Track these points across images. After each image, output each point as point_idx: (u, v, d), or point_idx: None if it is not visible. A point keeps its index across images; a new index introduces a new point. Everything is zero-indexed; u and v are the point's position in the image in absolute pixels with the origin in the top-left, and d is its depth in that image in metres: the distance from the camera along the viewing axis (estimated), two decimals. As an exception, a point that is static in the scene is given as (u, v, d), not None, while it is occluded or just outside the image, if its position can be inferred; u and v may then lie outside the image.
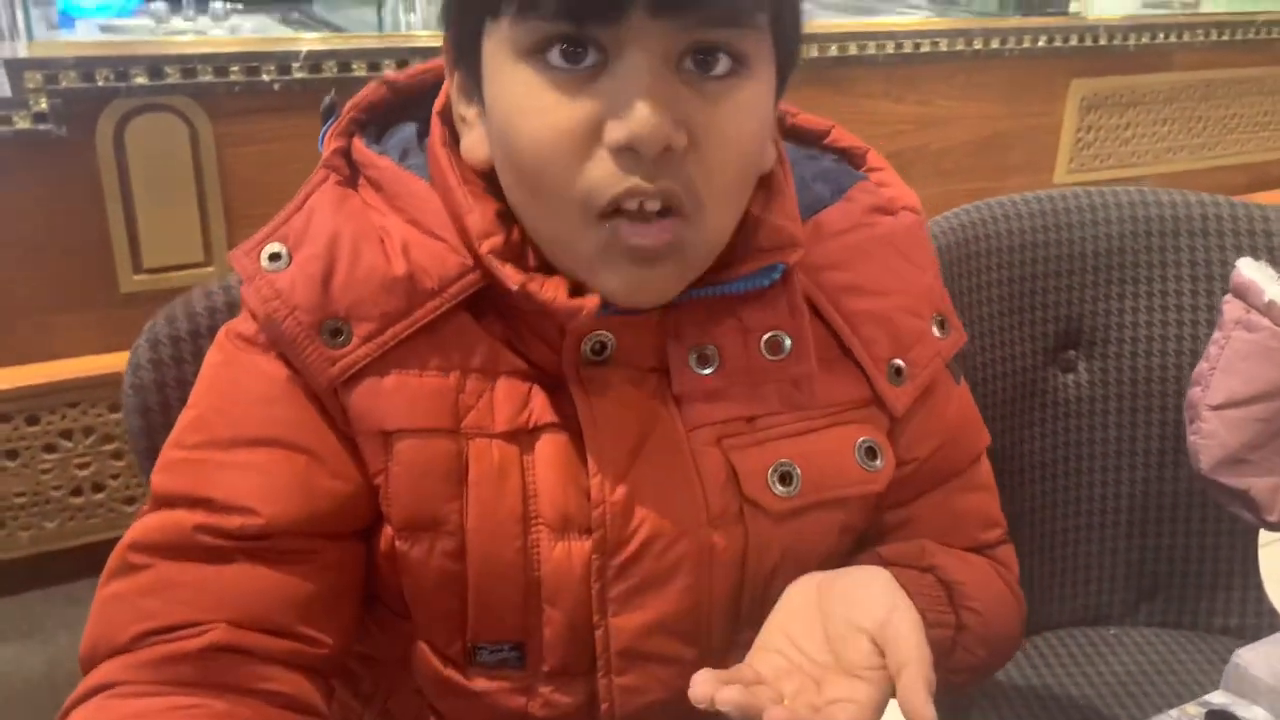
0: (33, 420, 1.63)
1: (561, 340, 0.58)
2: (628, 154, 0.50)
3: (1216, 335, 0.93)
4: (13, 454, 1.63)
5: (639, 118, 0.49)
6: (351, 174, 0.60)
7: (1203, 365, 0.94)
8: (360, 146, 0.60)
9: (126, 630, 0.55)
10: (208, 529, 0.56)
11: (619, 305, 0.56)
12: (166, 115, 1.62)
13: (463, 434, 0.57)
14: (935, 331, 0.65)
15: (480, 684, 0.62)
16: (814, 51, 2.01)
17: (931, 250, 0.68)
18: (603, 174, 0.51)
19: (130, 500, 1.72)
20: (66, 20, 1.91)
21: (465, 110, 0.58)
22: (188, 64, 1.59)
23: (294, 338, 0.56)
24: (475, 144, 0.57)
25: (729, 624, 0.62)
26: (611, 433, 0.58)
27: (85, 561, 1.72)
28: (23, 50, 1.55)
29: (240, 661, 0.55)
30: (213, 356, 0.62)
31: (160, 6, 1.93)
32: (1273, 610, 1.06)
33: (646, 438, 0.59)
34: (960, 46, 2.19)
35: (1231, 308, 0.92)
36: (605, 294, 0.55)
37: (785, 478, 0.60)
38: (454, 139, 0.59)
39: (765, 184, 0.59)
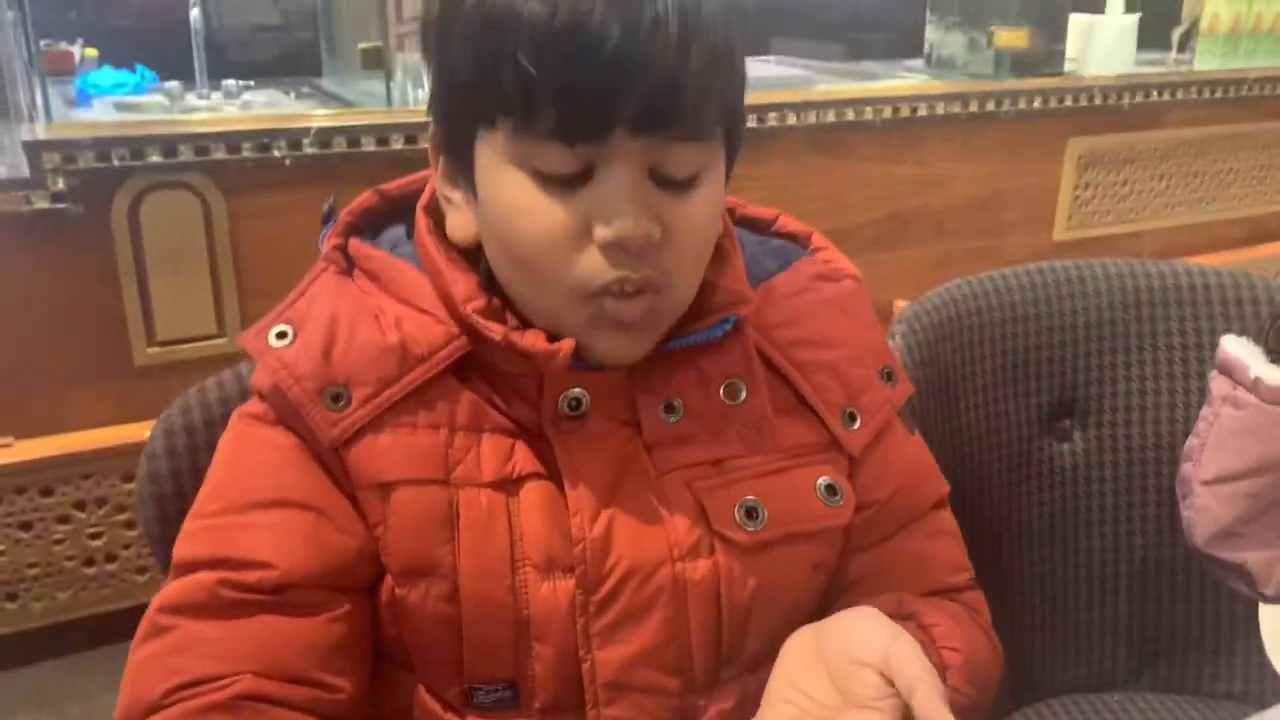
0: (47, 492, 1.65)
1: (540, 398, 0.64)
2: (615, 249, 0.58)
3: (1205, 411, 0.94)
4: (27, 525, 1.65)
5: (625, 221, 0.57)
6: (348, 266, 0.68)
7: (1193, 441, 0.96)
8: (356, 244, 0.68)
9: (158, 688, 0.59)
10: (229, 584, 0.61)
11: (607, 365, 0.64)
12: (180, 192, 1.66)
13: (453, 484, 0.63)
14: (883, 383, 0.71)
15: None
16: (813, 119, 2.06)
17: (872, 313, 0.74)
18: (593, 266, 0.59)
19: (142, 570, 1.74)
20: (84, 98, 1.95)
21: (450, 193, 0.65)
22: (201, 142, 1.64)
23: (299, 403, 0.62)
24: (462, 224, 0.64)
25: (711, 658, 0.66)
26: (589, 478, 0.64)
27: (97, 632, 1.74)
28: (41, 132, 1.60)
29: (266, 709, 0.59)
30: (226, 437, 0.67)
31: (174, 84, 1.98)
32: (1275, 675, 1.07)
33: (621, 481, 0.64)
34: (957, 109, 2.23)
35: (1219, 384, 0.94)
36: (595, 355, 0.63)
37: (751, 513, 0.65)
38: (438, 226, 0.66)
39: (716, 253, 0.67)
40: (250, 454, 0.65)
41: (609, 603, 0.63)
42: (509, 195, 0.59)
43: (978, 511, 1.03)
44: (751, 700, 0.64)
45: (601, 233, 0.58)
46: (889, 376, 0.72)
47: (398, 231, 0.69)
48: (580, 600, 0.63)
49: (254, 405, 0.66)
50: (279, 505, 0.62)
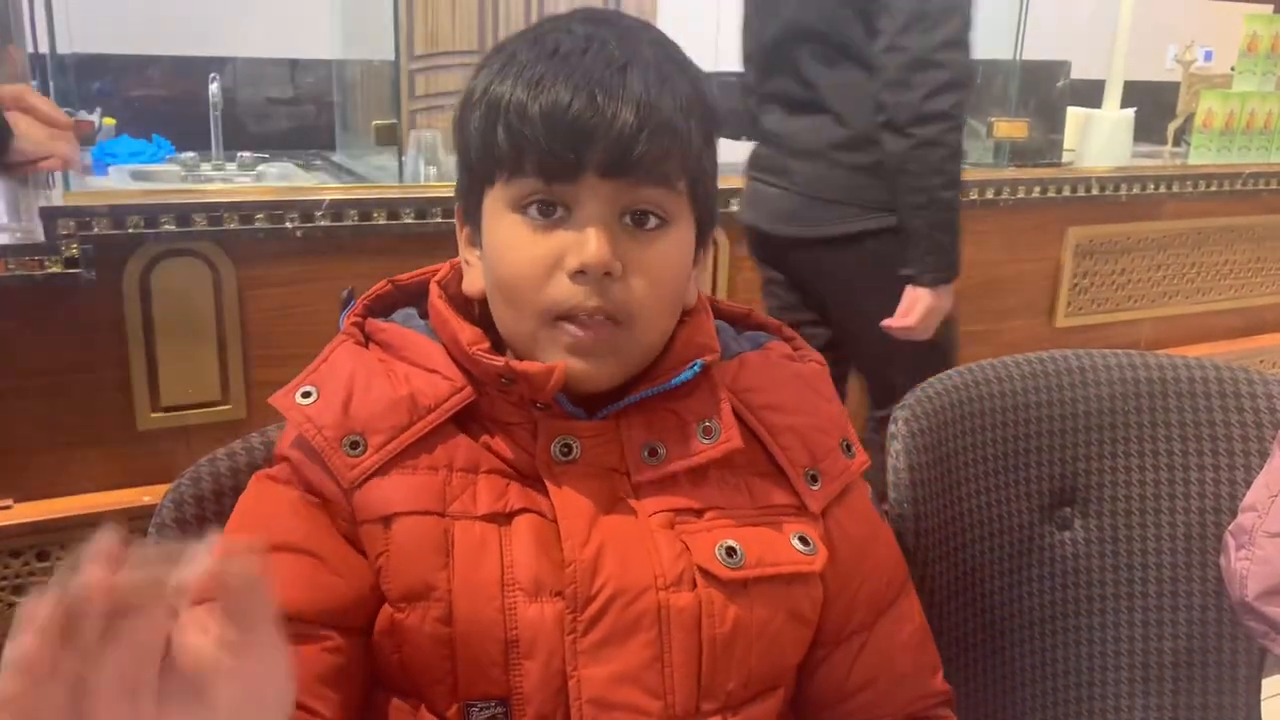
0: (43, 556, 1.64)
1: (535, 443, 0.71)
2: (580, 276, 0.67)
3: (1278, 463, 0.94)
4: (20, 589, 1.64)
5: (589, 250, 0.67)
6: (365, 340, 0.76)
7: (1259, 493, 0.95)
8: (372, 321, 0.77)
9: None
10: None
11: (575, 385, 0.70)
12: (192, 260, 1.69)
13: (449, 515, 0.69)
14: (843, 452, 0.78)
15: None
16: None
17: (835, 391, 0.82)
18: (560, 291, 0.68)
19: (134, 637, 1.72)
20: (100, 166, 1.99)
21: (470, 255, 0.75)
22: (215, 211, 1.66)
23: (322, 449, 0.69)
24: (475, 279, 0.75)
25: (691, 686, 0.70)
26: (580, 510, 0.70)
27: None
28: (58, 198, 1.62)
29: None
30: (244, 495, 0.74)
31: (190, 155, 2.02)
32: (1278, 772, 1.06)
33: (610, 514, 0.71)
34: (957, 197, 2.27)
35: None
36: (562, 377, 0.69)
37: (731, 552, 0.71)
38: (448, 296, 0.76)
39: (687, 316, 0.75)
40: (260, 506, 0.72)
41: (596, 621, 0.68)
42: (503, 234, 0.70)
43: (978, 599, 1.03)
44: None
45: (569, 261, 0.67)
46: (847, 448, 0.79)
47: (409, 310, 0.78)
48: (569, 619, 0.68)
49: (273, 469, 0.73)
50: (279, 549, 0.68)
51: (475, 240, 0.74)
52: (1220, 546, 1.02)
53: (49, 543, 1.64)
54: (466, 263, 0.76)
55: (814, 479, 0.76)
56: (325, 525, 0.70)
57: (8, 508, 1.64)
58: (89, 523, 1.66)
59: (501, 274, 0.70)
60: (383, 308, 0.78)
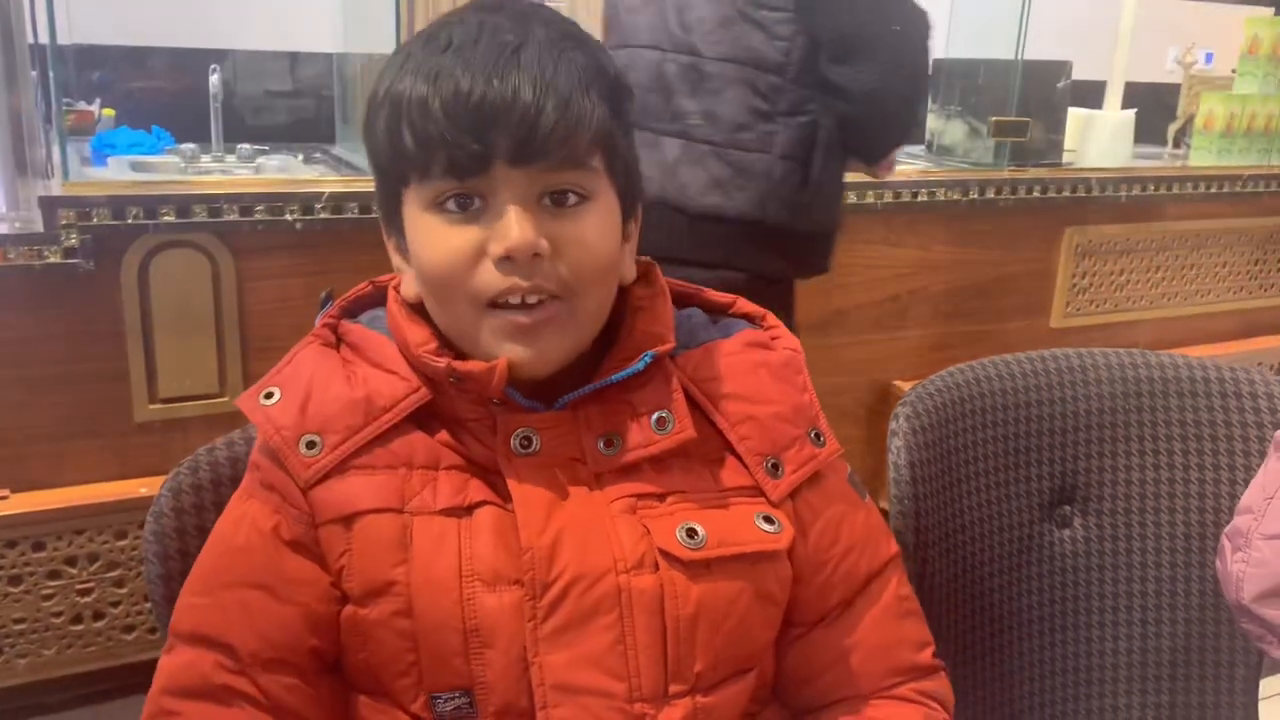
0: (39, 546, 1.64)
1: (494, 437, 0.72)
2: (506, 262, 0.68)
3: (1276, 466, 0.93)
4: (16, 580, 1.63)
5: (512, 234, 0.67)
6: (336, 341, 0.78)
7: (1254, 495, 0.94)
8: (344, 322, 0.79)
9: None
10: (220, 666, 0.70)
11: (522, 374, 0.71)
12: (191, 252, 1.68)
13: (407, 512, 0.71)
14: (811, 441, 0.79)
15: None
16: (816, 200, 2.09)
17: (807, 381, 0.81)
18: (487, 278, 0.69)
19: (129, 629, 1.72)
20: (99, 157, 1.98)
21: (401, 263, 0.76)
22: (214, 203, 1.66)
23: (279, 449, 0.72)
24: (410, 285, 0.75)
25: (657, 668, 0.71)
26: (538, 499, 0.71)
27: (81, 690, 1.71)
28: (58, 188, 1.62)
29: None
30: (222, 516, 0.75)
31: (190, 146, 2.01)
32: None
33: (569, 503, 0.72)
34: (957, 196, 2.27)
35: None
36: (510, 364, 0.70)
37: (691, 533, 0.72)
38: (405, 298, 0.76)
39: (641, 305, 0.77)
40: (234, 535, 0.73)
41: (555, 607, 0.69)
42: (424, 234, 0.70)
43: (977, 596, 1.03)
44: None
45: (493, 249, 0.68)
46: (817, 437, 0.79)
47: (376, 311, 0.80)
48: (528, 606, 0.69)
49: (245, 481, 0.75)
50: (238, 586, 0.71)
51: (402, 249, 0.75)
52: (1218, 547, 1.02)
53: (45, 533, 1.64)
54: (400, 269, 0.77)
55: (776, 468, 0.76)
56: (278, 546, 0.72)
57: (5, 498, 1.63)
58: (86, 514, 1.65)
59: (428, 272, 0.71)
60: (361, 308, 0.80)
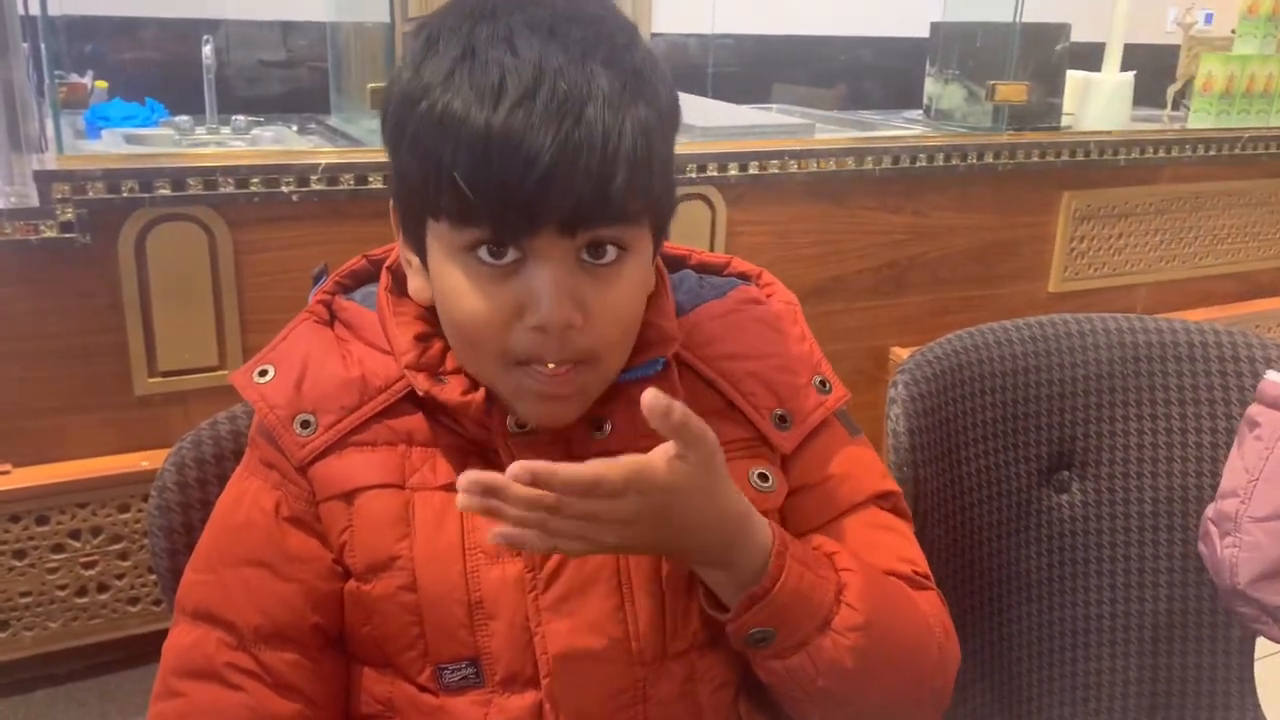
0: (42, 520, 1.65)
1: (490, 419, 0.72)
2: (539, 332, 0.66)
3: (1253, 447, 0.93)
4: (21, 554, 1.64)
5: (548, 309, 0.64)
6: (330, 318, 0.78)
7: (1237, 478, 0.94)
8: (339, 299, 0.79)
9: None
10: (223, 644, 0.71)
11: (535, 428, 0.71)
12: (187, 224, 1.67)
13: (409, 488, 0.71)
14: (816, 389, 0.79)
15: (449, 703, 0.72)
16: (813, 166, 2.08)
17: (806, 330, 0.81)
18: (518, 341, 0.67)
19: (134, 600, 1.73)
20: (93, 130, 1.98)
21: (411, 257, 0.73)
22: (210, 175, 1.65)
23: (273, 428, 0.72)
24: (421, 288, 0.73)
25: (655, 633, 0.72)
26: None
27: (88, 662, 1.72)
28: (52, 162, 1.61)
29: None
30: (224, 493, 0.76)
31: (184, 118, 2.01)
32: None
33: None
34: (955, 161, 2.26)
35: (1272, 419, 0.93)
36: (521, 419, 0.71)
37: None
38: (397, 285, 0.75)
39: (649, 296, 0.74)
40: (234, 513, 0.74)
41: (554, 577, 0.70)
42: (453, 279, 0.67)
43: (977, 561, 1.04)
44: (701, 677, 0.73)
45: (529, 319, 0.65)
46: (823, 384, 0.79)
47: (372, 287, 0.78)
48: (529, 578, 0.70)
49: (244, 459, 0.75)
50: (242, 564, 0.72)
51: (415, 248, 0.71)
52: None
53: (48, 508, 1.64)
54: (408, 263, 0.73)
55: (783, 419, 0.76)
56: (279, 523, 0.72)
57: (6, 473, 1.64)
58: (88, 487, 1.66)
59: (458, 319, 0.68)
60: (356, 283, 0.79)
